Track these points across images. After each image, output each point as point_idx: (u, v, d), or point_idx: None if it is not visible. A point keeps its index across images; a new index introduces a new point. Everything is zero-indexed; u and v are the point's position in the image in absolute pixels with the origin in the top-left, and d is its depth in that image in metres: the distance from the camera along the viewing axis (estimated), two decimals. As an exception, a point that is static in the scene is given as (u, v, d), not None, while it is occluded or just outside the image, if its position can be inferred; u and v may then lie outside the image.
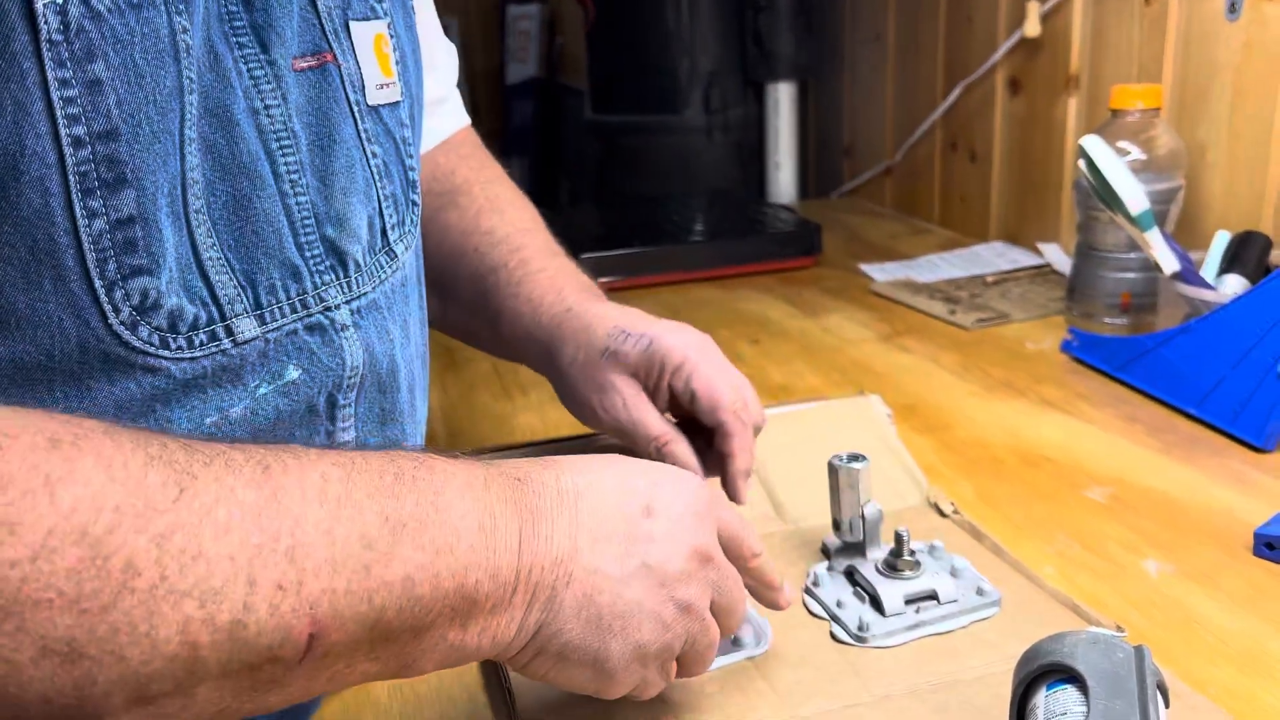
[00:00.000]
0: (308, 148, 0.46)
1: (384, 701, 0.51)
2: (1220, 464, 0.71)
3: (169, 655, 0.30)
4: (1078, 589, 0.57)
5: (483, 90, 2.70)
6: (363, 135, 0.49)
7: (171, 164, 0.39)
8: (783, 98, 1.66)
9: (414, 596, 0.35)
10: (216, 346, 0.42)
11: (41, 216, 0.36)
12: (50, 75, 0.35)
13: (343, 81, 0.48)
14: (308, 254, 0.46)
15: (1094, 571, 0.59)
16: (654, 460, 0.59)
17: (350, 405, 0.50)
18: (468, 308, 0.69)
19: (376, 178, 0.50)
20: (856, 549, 0.58)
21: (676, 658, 0.44)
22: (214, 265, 0.42)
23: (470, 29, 2.68)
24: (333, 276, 0.47)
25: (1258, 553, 0.60)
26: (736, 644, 0.53)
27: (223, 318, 0.42)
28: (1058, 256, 1.17)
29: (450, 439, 0.83)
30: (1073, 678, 0.40)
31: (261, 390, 0.44)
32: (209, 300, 0.41)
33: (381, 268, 0.52)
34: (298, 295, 0.46)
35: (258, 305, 0.43)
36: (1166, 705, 0.42)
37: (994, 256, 1.23)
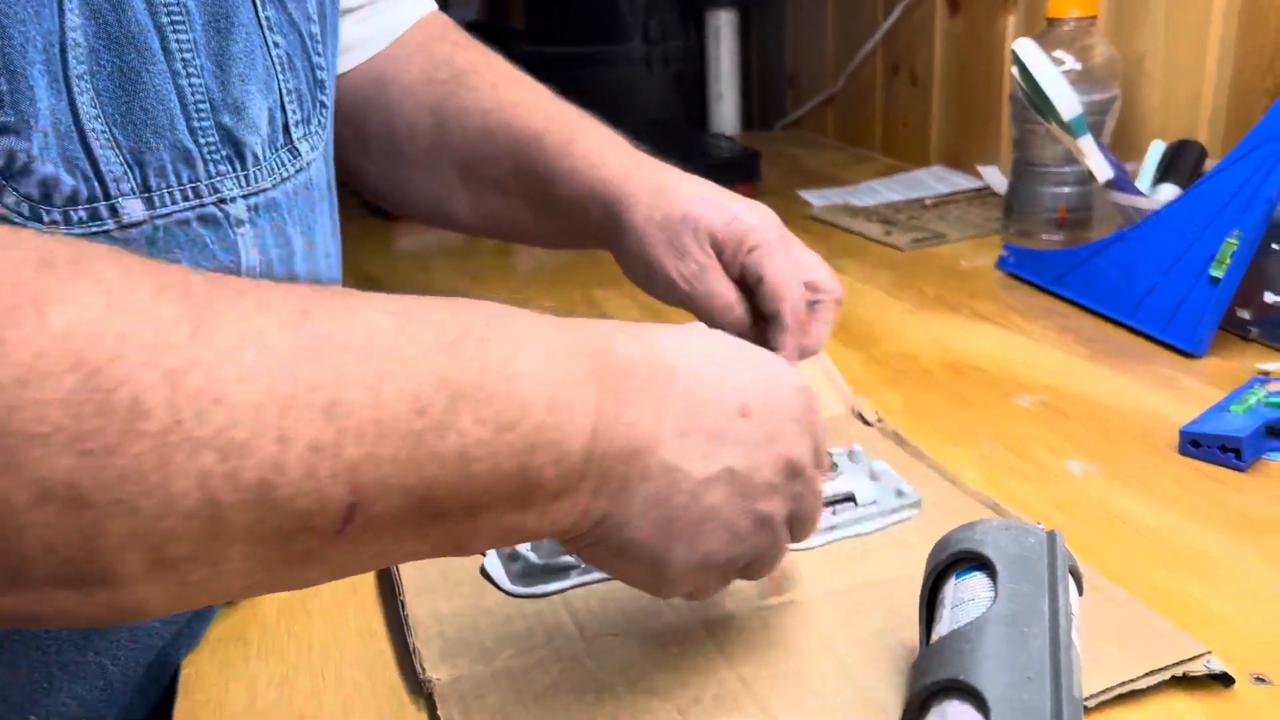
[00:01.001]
0: (202, 27, 0.43)
1: (271, 620, 0.48)
2: (1150, 370, 0.70)
3: (186, 511, 0.27)
4: (1001, 491, 0.56)
5: (422, 31, 2.62)
6: (263, 22, 0.46)
7: (46, 18, 0.36)
8: (724, 26, 1.61)
9: (469, 474, 0.31)
10: (99, 226, 0.39)
11: None
12: None
13: None
14: (201, 139, 0.43)
15: (1019, 474, 0.57)
16: (726, 323, 0.56)
17: None
18: (507, 185, 0.64)
19: (278, 69, 0.47)
20: (775, 456, 0.56)
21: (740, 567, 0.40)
22: (98, 138, 0.39)
23: (408, -33, 2.59)
24: (229, 167, 0.44)
25: (1183, 451, 0.58)
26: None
27: (106, 195, 0.39)
28: (996, 178, 1.15)
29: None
30: (982, 564, 0.39)
31: None
32: (91, 175, 0.39)
33: (283, 165, 0.49)
34: (190, 182, 0.43)
35: (146, 187, 0.41)
36: (1080, 591, 0.40)
37: (933, 181, 1.21)
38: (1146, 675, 0.40)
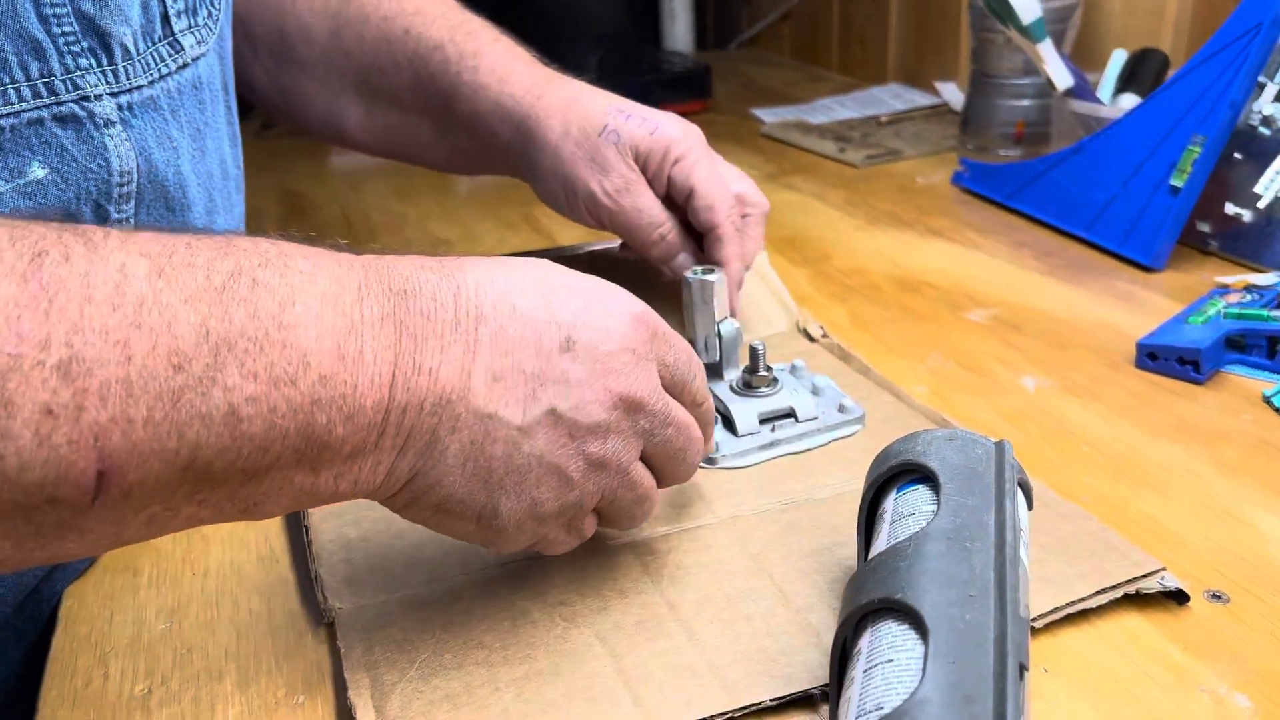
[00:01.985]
0: None
1: (166, 546, 0.44)
2: (1107, 284, 0.67)
3: None
4: (950, 406, 0.53)
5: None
6: None
7: None
8: (676, -60, 1.54)
9: (240, 435, 0.27)
10: None
11: None
12: None
13: None
14: (55, 29, 0.38)
15: (968, 389, 0.55)
16: (658, 250, 0.54)
17: (129, 220, 0.43)
18: (404, 99, 0.59)
19: None
20: (713, 370, 0.53)
21: (598, 511, 0.37)
22: None
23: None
24: (91, 61, 0.40)
25: (1140, 364, 0.56)
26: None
27: None
28: (954, 95, 1.11)
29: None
30: (925, 477, 0.36)
31: None
32: None
33: (161, 60, 0.44)
34: (41, 77, 0.38)
35: None
36: (1030, 505, 0.37)
37: (890, 98, 1.17)
38: (1098, 594, 0.38)
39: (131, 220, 0.43)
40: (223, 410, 0.27)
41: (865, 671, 0.30)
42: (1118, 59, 0.84)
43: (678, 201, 0.54)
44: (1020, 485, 0.37)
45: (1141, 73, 0.82)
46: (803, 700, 0.35)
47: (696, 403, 0.38)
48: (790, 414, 0.49)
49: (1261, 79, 0.67)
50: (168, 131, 0.44)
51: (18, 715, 0.40)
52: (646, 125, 0.53)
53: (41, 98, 0.38)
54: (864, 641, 0.31)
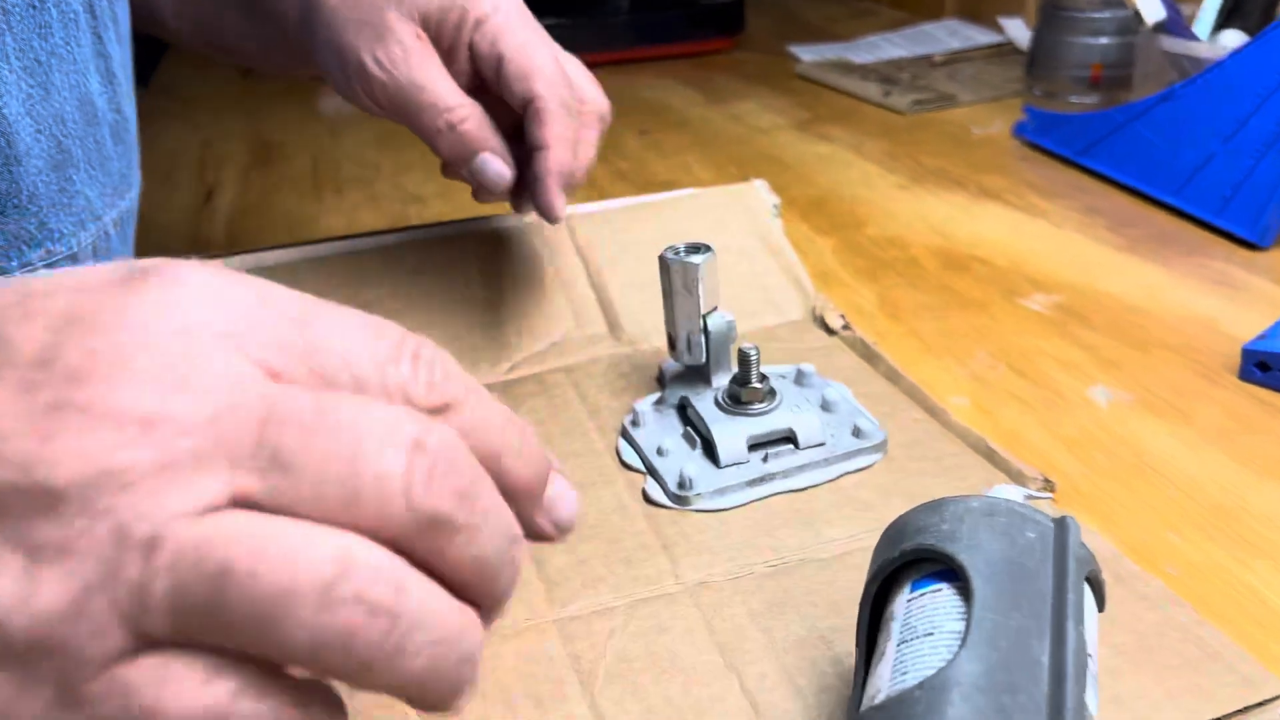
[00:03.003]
0: None
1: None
2: (1200, 264, 0.55)
3: None
4: (996, 426, 0.42)
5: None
6: None
7: None
8: None
9: None
10: None
11: None
12: None
13: None
14: None
15: (1023, 402, 0.43)
16: (446, 143, 0.42)
17: None
18: None
19: None
20: (699, 375, 0.42)
21: None
22: None
23: None
24: None
25: (1245, 375, 0.44)
26: (504, 510, 0.37)
27: None
28: (1020, 32, 0.98)
29: (231, 243, 0.65)
30: (953, 572, 0.25)
31: None
32: None
33: None
34: None
35: None
36: (1101, 607, 0.26)
37: (946, 35, 1.04)
38: None
39: None
40: None
41: None
42: (1219, -13, 0.70)
43: (487, 77, 0.43)
44: (1090, 582, 0.26)
45: (1248, 5, 0.69)
46: None
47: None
48: (789, 438, 0.38)
49: None
50: None
51: None
52: None
53: None
54: None
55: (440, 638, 0.18)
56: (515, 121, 0.43)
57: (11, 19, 0.35)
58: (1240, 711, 0.27)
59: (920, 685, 0.22)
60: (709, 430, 0.38)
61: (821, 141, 0.78)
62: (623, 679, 0.30)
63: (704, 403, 0.40)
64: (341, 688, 0.19)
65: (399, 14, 0.41)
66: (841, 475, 0.38)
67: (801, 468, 0.38)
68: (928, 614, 0.24)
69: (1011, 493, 0.29)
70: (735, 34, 1.06)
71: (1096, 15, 0.77)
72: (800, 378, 0.42)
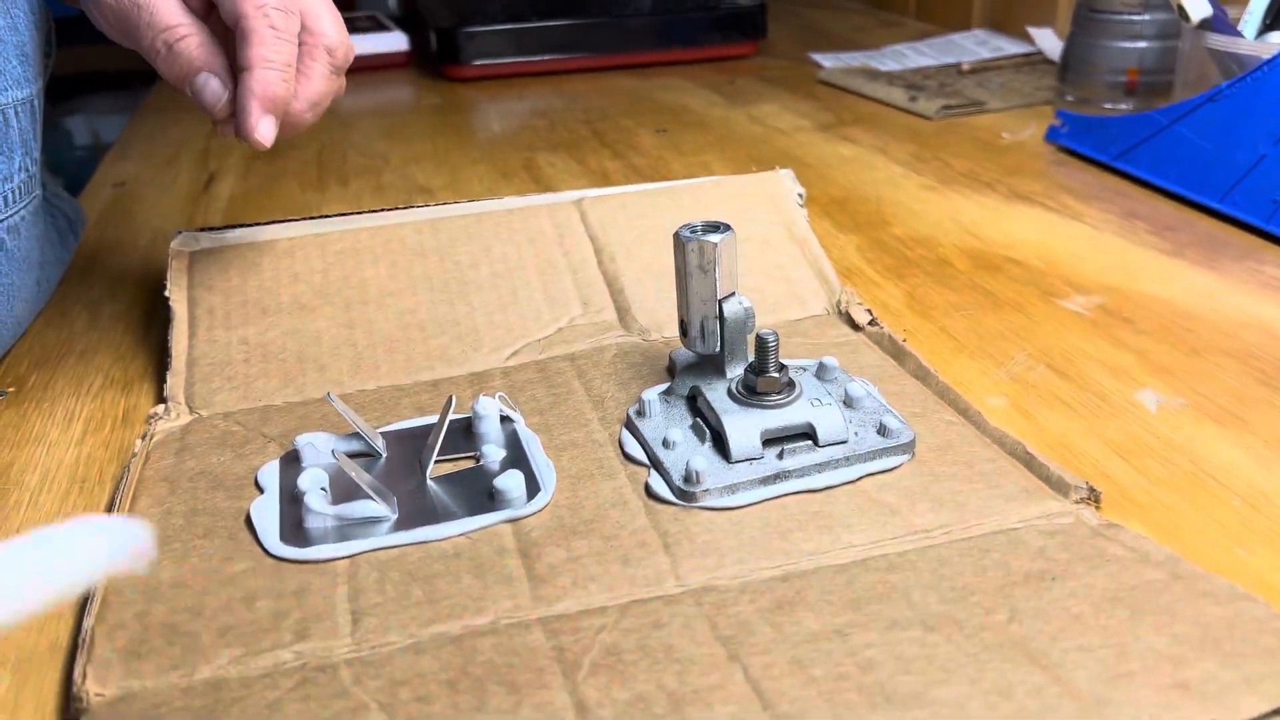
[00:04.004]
0: None
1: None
2: (1252, 270, 0.51)
3: None
4: (1038, 430, 0.38)
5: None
6: None
7: None
8: None
9: None
10: None
11: None
12: None
13: None
14: None
15: (1065, 405, 0.40)
16: (165, 63, 0.40)
17: None
18: None
19: None
20: (712, 365, 0.39)
21: None
22: None
23: None
24: None
25: (1307, 382, 0.40)
26: (492, 500, 0.34)
27: None
28: (1051, 43, 0.94)
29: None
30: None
31: None
32: None
33: None
34: None
35: None
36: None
37: (974, 45, 1.01)
38: (1277, 714, 0.24)
39: None
40: None
41: None
42: (1267, -11, 0.67)
43: None
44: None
45: (1298, 7, 0.65)
46: None
47: None
48: (808, 434, 0.35)
49: None
50: None
51: None
52: None
53: None
54: None
55: None
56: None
57: None
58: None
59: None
60: (720, 422, 0.35)
61: (845, 143, 0.75)
62: (610, 669, 0.26)
63: (716, 393, 0.36)
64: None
65: None
66: (864, 476, 0.34)
67: (820, 466, 0.34)
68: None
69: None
70: (757, 40, 1.03)
71: (1135, 18, 0.73)
72: (822, 371, 0.39)
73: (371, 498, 0.33)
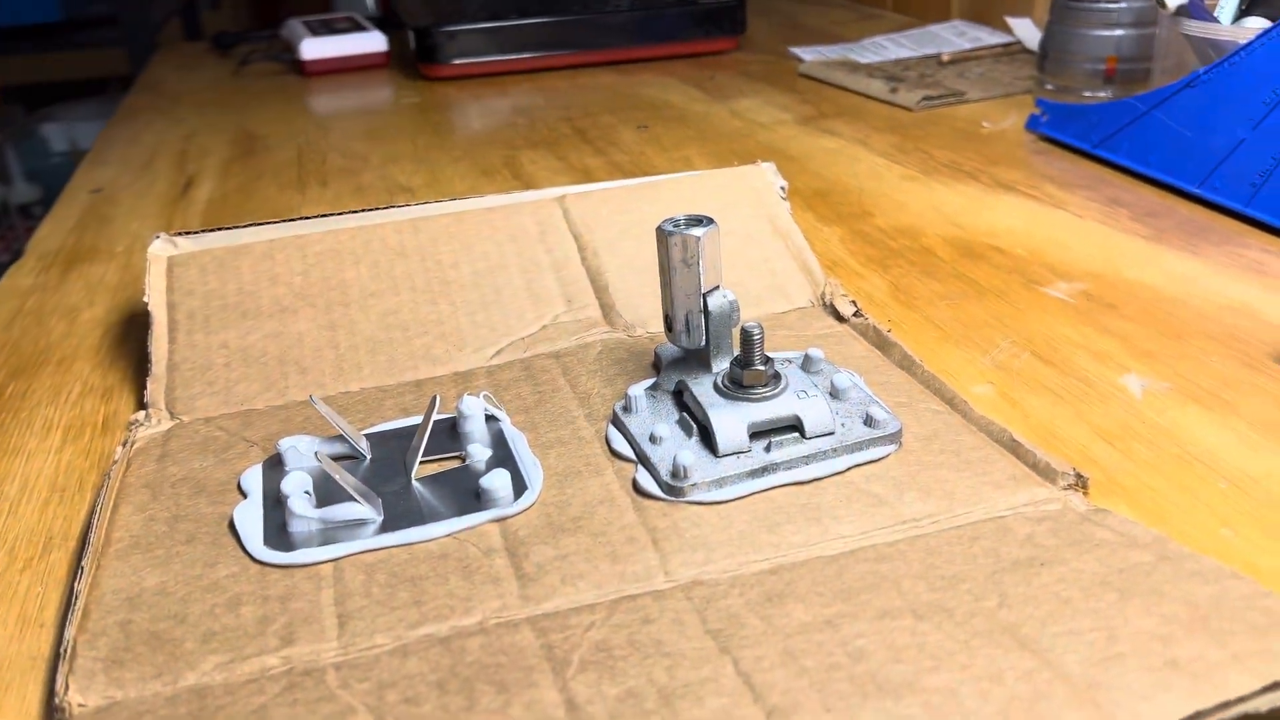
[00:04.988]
0: None
1: (-114, 596, 0.31)
2: (1234, 253, 0.51)
3: None
4: (1024, 417, 0.38)
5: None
6: None
7: None
8: None
9: None
10: None
11: None
12: None
13: None
14: None
15: (1051, 391, 0.40)
16: None
17: None
18: None
19: None
20: (697, 359, 0.38)
21: None
22: None
23: None
24: None
25: (1290, 363, 0.41)
26: (478, 500, 0.33)
27: None
28: (1029, 32, 0.95)
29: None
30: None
31: None
32: None
33: None
34: None
35: None
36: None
37: (953, 36, 1.01)
38: (1268, 689, 0.24)
39: None
40: None
41: None
42: (1242, -26, 0.67)
43: None
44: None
45: (1273, -9, 0.66)
46: None
47: None
48: (794, 426, 0.35)
49: None
50: None
51: None
52: None
53: None
54: None
55: None
56: None
57: None
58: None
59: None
60: (706, 416, 0.35)
61: (826, 136, 0.75)
62: (600, 666, 0.26)
63: (702, 387, 0.36)
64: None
65: None
66: (852, 467, 0.34)
67: (808, 458, 0.34)
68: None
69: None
70: (737, 35, 1.03)
71: (1111, 6, 0.73)
72: (808, 363, 0.39)
73: (356, 500, 0.33)
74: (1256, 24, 0.63)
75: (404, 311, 0.45)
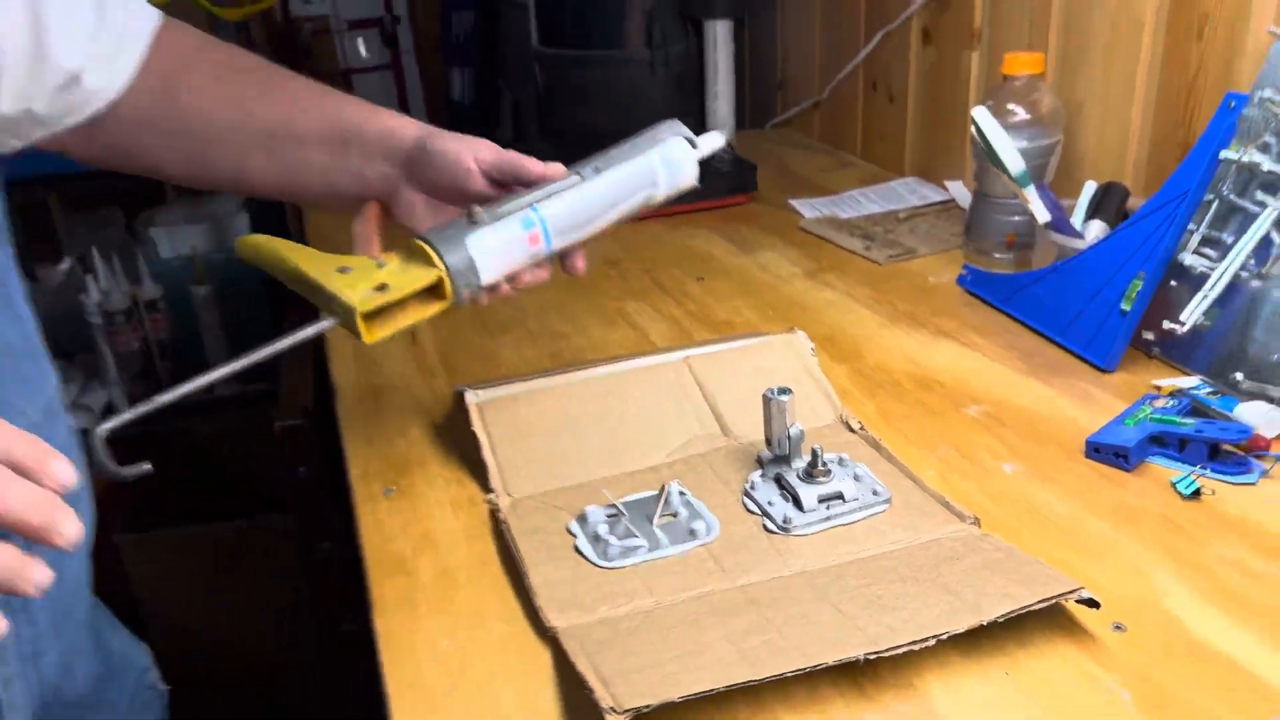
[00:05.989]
0: None
1: (430, 587, 0.67)
2: (1072, 384, 0.89)
3: None
4: (951, 488, 0.75)
5: (420, -1, 2.73)
6: None
7: None
8: (720, 34, 1.77)
9: None
10: None
11: None
12: None
13: None
14: None
15: (965, 473, 0.77)
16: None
17: None
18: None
19: None
20: (784, 460, 0.75)
21: None
22: None
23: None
24: None
25: (1088, 455, 0.78)
26: (693, 535, 0.69)
27: None
28: (961, 193, 1.33)
29: (451, 376, 0.97)
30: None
31: None
32: None
33: None
34: None
35: None
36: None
37: (907, 193, 1.39)
38: (1040, 602, 0.59)
39: None
40: None
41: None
42: (1088, 189, 1.05)
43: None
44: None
45: (1107, 202, 1.04)
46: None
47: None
48: (840, 496, 0.71)
49: (1191, 226, 0.89)
50: None
51: None
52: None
53: None
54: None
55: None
56: None
57: None
58: (1061, 595, 0.60)
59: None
60: (796, 491, 0.71)
61: (825, 288, 1.12)
62: (773, 603, 0.62)
63: (791, 476, 0.73)
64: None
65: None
66: (867, 517, 0.71)
67: (847, 512, 0.71)
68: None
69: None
70: (750, 191, 1.41)
71: (1010, 201, 1.12)
72: (841, 461, 0.75)
73: (635, 535, 0.68)
74: (1097, 228, 1.02)
75: (620, 433, 0.81)
